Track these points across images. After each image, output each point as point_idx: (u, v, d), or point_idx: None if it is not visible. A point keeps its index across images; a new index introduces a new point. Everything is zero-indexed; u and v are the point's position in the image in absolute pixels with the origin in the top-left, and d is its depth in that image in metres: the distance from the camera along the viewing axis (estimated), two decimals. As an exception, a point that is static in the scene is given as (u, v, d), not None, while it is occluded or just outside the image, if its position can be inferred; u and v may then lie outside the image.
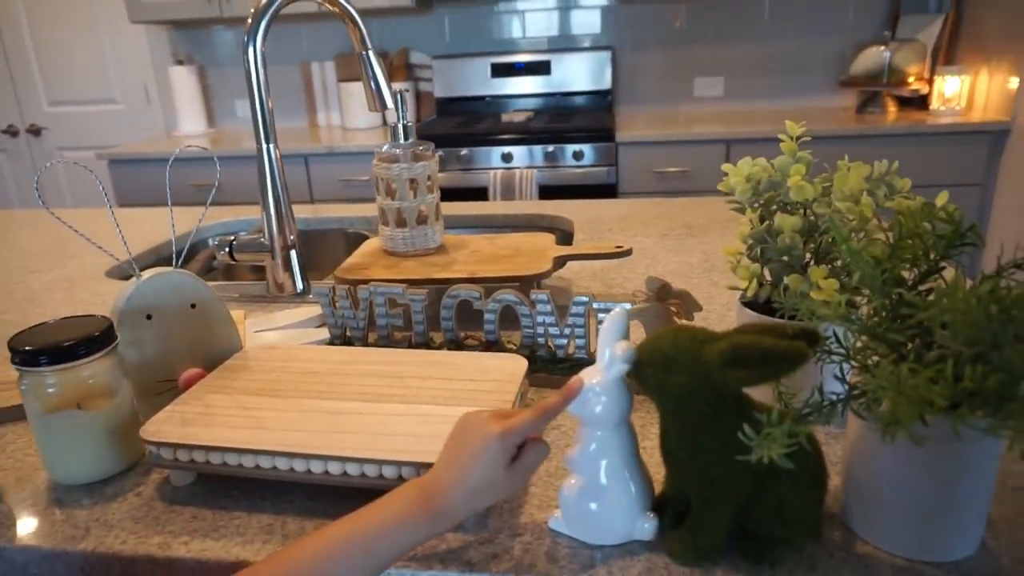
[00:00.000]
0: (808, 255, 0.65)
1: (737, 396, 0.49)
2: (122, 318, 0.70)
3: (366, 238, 1.47)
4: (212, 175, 2.74)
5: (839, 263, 0.63)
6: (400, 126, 0.99)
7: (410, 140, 0.99)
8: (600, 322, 0.75)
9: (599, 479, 0.53)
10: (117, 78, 3.38)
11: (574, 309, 0.76)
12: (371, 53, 1.07)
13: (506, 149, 2.58)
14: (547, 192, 2.57)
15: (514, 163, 2.59)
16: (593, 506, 0.53)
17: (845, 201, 0.57)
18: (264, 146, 1.04)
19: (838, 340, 0.51)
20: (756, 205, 0.67)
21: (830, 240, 0.62)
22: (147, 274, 0.72)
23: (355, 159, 2.69)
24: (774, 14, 2.89)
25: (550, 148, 2.55)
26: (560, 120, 2.75)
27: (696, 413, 0.49)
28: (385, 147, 1.00)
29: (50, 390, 0.62)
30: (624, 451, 0.52)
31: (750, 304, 0.69)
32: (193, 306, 0.74)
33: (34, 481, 0.66)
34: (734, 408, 0.48)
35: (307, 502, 0.61)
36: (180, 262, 0.76)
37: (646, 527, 0.53)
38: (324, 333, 0.89)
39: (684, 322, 0.73)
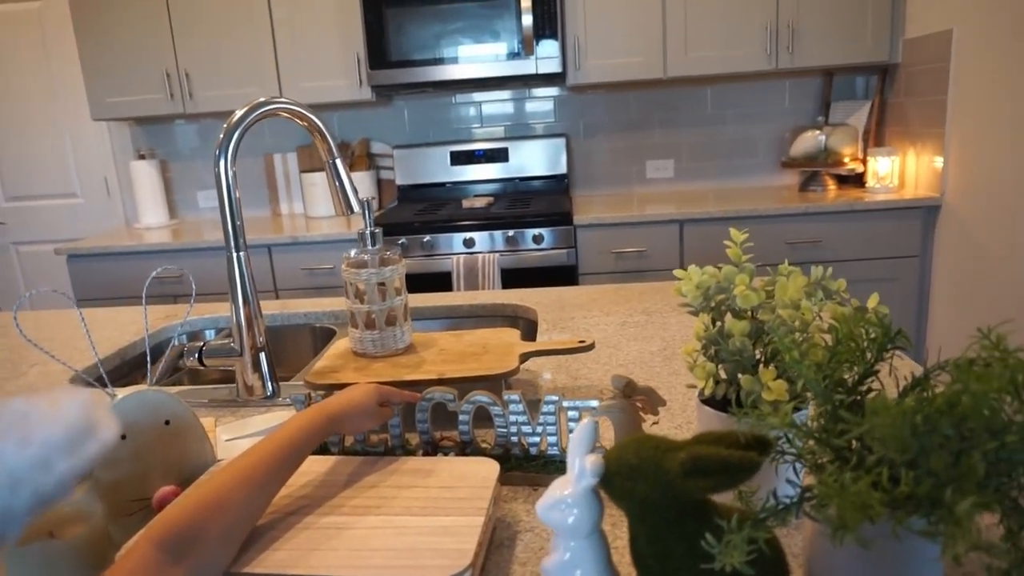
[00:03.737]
0: (759, 354, 0.70)
1: (699, 502, 0.52)
2: (97, 439, 0.70)
3: (333, 332, 1.49)
4: (174, 267, 2.74)
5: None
6: (368, 232, 1.03)
7: (377, 246, 1.03)
8: (571, 419, 0.78)
9: (574, 587, 0.55)
10: (77, 172, 3.39)
11: (545, 408, 0.79)
12: (338, 161, 1.13)
13: (468, 235, 2.64)
14: (509, 275, 2.63)
15: (476, 248, 2.65)
16: (570, 613, 0.54)
17: (787, 308, 0.62)
18: (235, 253, 1.07)
19: (789, 441, 0.55)
20: (708, 308, 0.72)
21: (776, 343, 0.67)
22: (122, 393, 0.73)
23: (318, 248, 2.72)
24: (716, 103, 3.08)
25: (511, 232, 2.63)
26: (519, 205, 2.84)
27: (661, 519, 0.52)
28: (353, 252, 1.03)
29: (24, 519, 0.62)
30: (597, 559, 0.55)
31: (708, 401, 0.73)
32: (167, 423, 0.75)
33: (2, 614, 0.65)
34: (697, 514, 0.52)
35: (286, 622, 0.61)
36: (149, 367, 0.78)
37: (621, 632, 0.55)
38: (297, 439, 0.90)
39: (650, 417, 0.76)
